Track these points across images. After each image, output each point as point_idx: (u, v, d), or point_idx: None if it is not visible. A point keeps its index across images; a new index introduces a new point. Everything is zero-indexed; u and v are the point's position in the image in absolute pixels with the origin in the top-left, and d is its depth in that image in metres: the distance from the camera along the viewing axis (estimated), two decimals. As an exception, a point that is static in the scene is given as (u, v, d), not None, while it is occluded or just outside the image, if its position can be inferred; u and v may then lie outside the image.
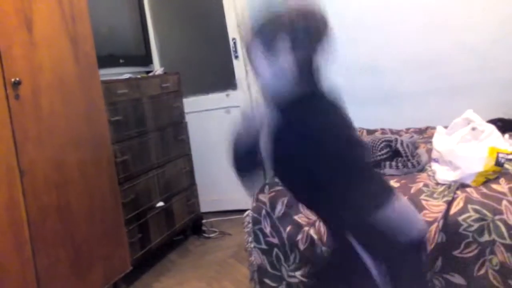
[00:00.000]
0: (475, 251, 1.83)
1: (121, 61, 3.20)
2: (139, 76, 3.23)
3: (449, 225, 1.86)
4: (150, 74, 3.42)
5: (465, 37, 3.33)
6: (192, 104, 3.92)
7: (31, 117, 2.20)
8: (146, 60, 3.55)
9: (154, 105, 3.22)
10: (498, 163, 2.03)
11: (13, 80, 2.09)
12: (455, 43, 3.36)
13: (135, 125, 3.01)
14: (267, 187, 2.42)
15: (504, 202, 1.86)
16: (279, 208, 2.24)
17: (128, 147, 2.92)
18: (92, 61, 2.62)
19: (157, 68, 3.75)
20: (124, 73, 3.13)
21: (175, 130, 3.45)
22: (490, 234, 1.82)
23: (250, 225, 2.32)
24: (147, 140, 3.12)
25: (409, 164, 2.35)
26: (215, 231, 3.64)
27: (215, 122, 3.98)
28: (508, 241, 1.80)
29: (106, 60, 2.92)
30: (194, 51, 4.21)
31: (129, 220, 2.85)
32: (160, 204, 3.17)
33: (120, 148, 2.83)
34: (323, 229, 2.04)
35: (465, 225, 1.84)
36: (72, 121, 2.44)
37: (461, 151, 2.12)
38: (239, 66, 3.87)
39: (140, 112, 3.08)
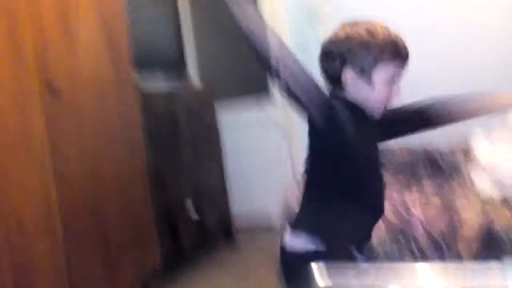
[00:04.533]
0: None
1: (156, 67, 3.22)
2: (174, 88, 3.26)
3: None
4: (186, 84, 3.44)
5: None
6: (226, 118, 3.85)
7: (68, 116, 2.22)
8: (181, 68, 3.57)
9: (188, 114, 3.23)
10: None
11: (49, 77, 2.11)
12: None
13: (168, 134, 3.04)
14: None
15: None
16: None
17: (160, 143, 2.94)
18: (128, 64, 2.64)
19: (192, 75, 3.76)
20: (159, 79, 3.15)
21: (208, 136, 3.45)
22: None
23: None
24: (180, 143, 3.14)
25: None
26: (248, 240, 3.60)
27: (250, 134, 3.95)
28: None
29: (142, 65, 2.94)
30: (229, 59, 4.20)
31: (160, 221, 2.83)
32: (190, 204, 3.17)
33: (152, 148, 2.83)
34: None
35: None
36: (107, 123, 2.46)
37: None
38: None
39: (174, 120, 3.11)
